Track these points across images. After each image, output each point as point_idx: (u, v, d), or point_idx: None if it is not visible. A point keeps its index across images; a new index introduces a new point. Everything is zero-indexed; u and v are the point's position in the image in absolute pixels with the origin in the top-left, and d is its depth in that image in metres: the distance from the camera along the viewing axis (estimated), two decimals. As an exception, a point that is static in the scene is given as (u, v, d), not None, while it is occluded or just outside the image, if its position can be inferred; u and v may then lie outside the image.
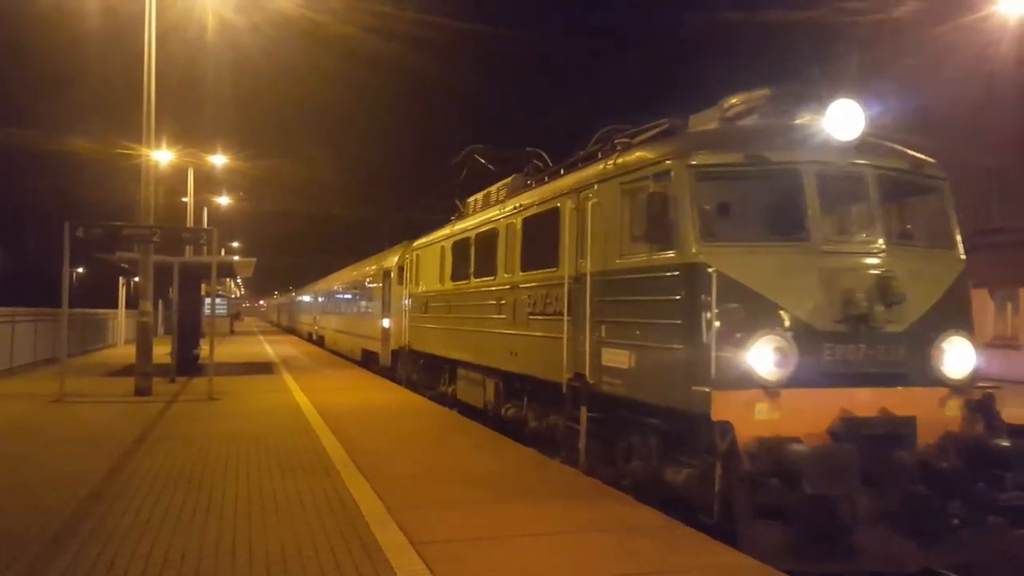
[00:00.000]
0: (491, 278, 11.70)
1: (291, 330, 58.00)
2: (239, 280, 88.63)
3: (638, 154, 7.81)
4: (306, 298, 50.43)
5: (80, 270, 52.64)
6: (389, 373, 20.31)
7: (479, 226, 12.69)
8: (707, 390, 6.20)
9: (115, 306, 34.13)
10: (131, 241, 16.05)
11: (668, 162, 7.08)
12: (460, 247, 13.73)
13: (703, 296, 6.45)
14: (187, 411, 12.86)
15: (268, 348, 33.73)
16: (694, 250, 6.64)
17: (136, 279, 23.10)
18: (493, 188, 13.35)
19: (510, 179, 12.61)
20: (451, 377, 14.83)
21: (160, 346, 18.43)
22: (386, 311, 20.82)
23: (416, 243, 18.01)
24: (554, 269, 9.23)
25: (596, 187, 8.33)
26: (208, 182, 40.59)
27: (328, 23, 22.29)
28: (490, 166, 14.77)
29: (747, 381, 6.29)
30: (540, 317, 9.66)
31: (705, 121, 7.89)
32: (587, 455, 8.55)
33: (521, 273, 10.51)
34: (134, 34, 15.58)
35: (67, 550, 5.48)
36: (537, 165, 12.32)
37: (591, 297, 8.11)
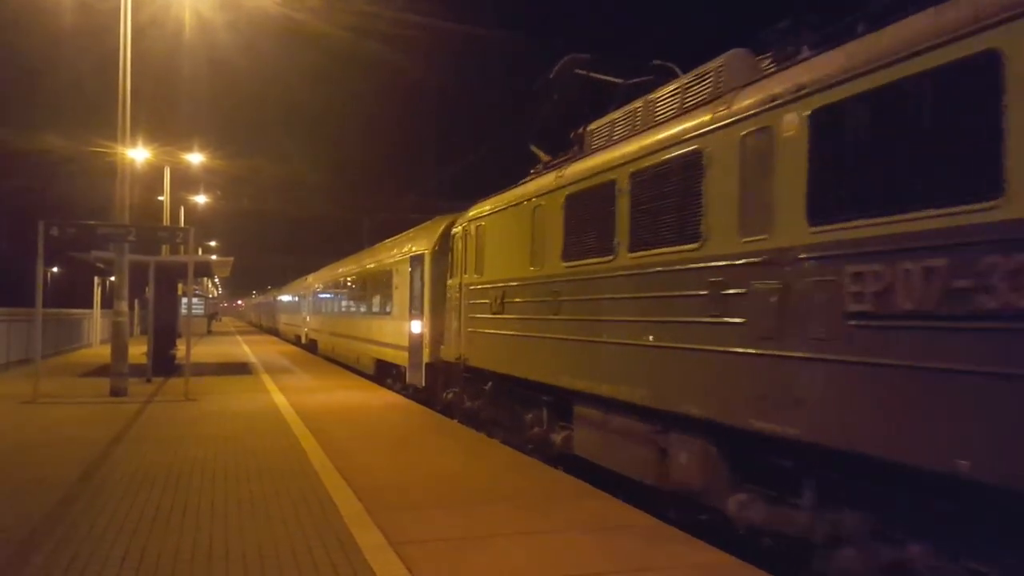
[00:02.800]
0: (689, 247, 6.63)
1: (273, 331, 56.98)
2: (216, 280, 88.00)
3: None
4: (293, 296, 45.57)
5: (55, 270, 51.97)
6: (419, 394, 15.70)
7: (640, 157, 7.49)
8: None
9: (90, 306, 33.77)
10: (106, 240, 15.86)
11: None
12: (586, 202, 8.60)
13: None
14: (163, 412, 12.72)
15: (246, 348, 33.44)
16: None
17: (112, 279, 22.83)
18: (660, 92, 7.96)
19: (719, 61, 7.03)
20: (556, 416, 9.71)
21: (136, 346, 18.21)
22: (416, 310, 16.11)
23: (473, 212, 12.65)
24: (990, 203, 4.06)
25: None
26: (185, 181, 40.41)
27: (307, 21, 22.12)
28: (613, 79, 10.25)
29: None
30: (915, 324, 4.40)
31: None
32: None
33: (811, 229, 5.27)
34: (109, 31, 15.43)
35: (39, 553, 5.37)
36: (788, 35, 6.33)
37: None
